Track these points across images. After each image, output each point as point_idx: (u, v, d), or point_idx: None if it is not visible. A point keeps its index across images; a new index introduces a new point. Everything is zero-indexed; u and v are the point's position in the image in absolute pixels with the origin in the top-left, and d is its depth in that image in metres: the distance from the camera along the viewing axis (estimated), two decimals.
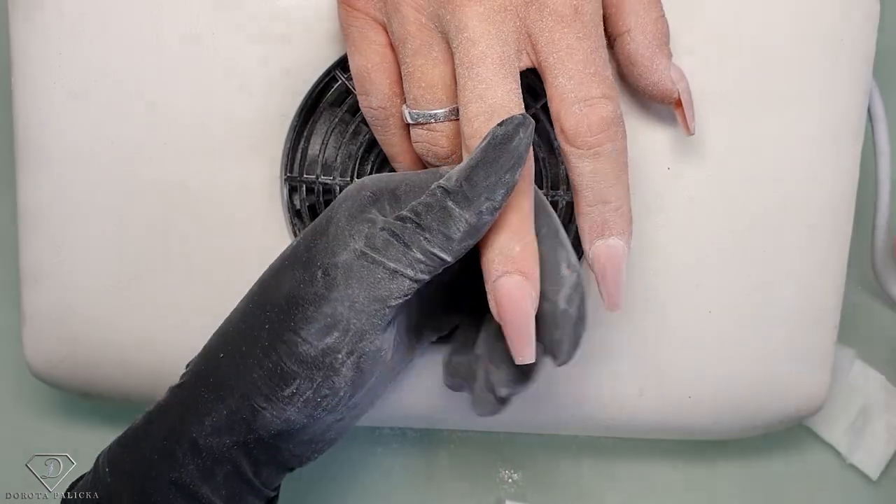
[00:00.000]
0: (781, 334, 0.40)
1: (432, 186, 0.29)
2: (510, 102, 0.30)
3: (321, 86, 0.38)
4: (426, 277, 0.29)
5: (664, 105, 0.35)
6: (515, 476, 0.49)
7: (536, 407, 0.40)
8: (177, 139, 0.37)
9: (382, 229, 0.29)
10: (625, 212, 0.32)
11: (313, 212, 0.39)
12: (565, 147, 0.31)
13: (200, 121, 0.37)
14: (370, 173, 0.38)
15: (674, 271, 0.38)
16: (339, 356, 0.29)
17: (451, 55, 0.31)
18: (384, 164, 0.39)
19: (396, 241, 0.28)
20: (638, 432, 0.43)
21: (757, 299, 0.39)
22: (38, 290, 0.39)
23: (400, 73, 0.33)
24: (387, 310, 0.29)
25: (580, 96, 0.30)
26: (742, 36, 0.37)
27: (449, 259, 0.29)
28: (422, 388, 0.39)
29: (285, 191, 0.39)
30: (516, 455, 0.49)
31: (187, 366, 0.32)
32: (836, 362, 0.47)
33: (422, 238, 0.28)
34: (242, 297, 0.32)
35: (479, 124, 0.30)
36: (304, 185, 0.38)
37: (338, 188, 0.38)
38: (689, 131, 0.35)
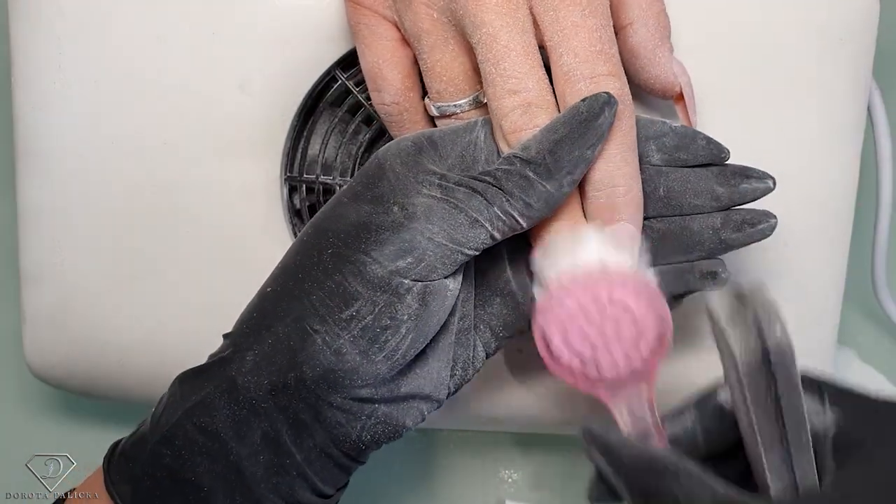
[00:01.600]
0: None
1: (506, 154, 0.30)
2: (543, 91, 0.30)
3: (321, 86, 0.38)
4: (499, 237, 0.29)
5: (665, 99, 0.35)
6: (515, 476, 0.49)
7: (537, 407, 0.40)
8: (177, 139, 0.37)
9: (459, 184, 0.29)
10: (634, 195, 0.31)
11: (313, 212, 0.39)
12: None
13: (200, 121, 0.37)
14: None
15: None
16: (406, 282, 0.29)
17: (468, 46, 0.31)
18: None
19: (480, 196, 0.29)
20: None
21: None
22: (38, 290, 0.39)
23: (412, 67, 0.33)
24: (460, 255, 0.29)
25: (585, 74, 0.30)
26: (742, 35, 0.37)
27: (524, 225, 0.29)
28: None
29: (285, 191, 0.39)
30: (516, 455, 0.49)
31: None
32: (836, 362, 0.47)
33: (503, 199, 0.29)
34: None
35: (517, 118, 0.30)
36: (304, 185, 0.38)
37: (337, 188, 0.38)
38: (690, 126, 0.35)
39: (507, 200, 0.29)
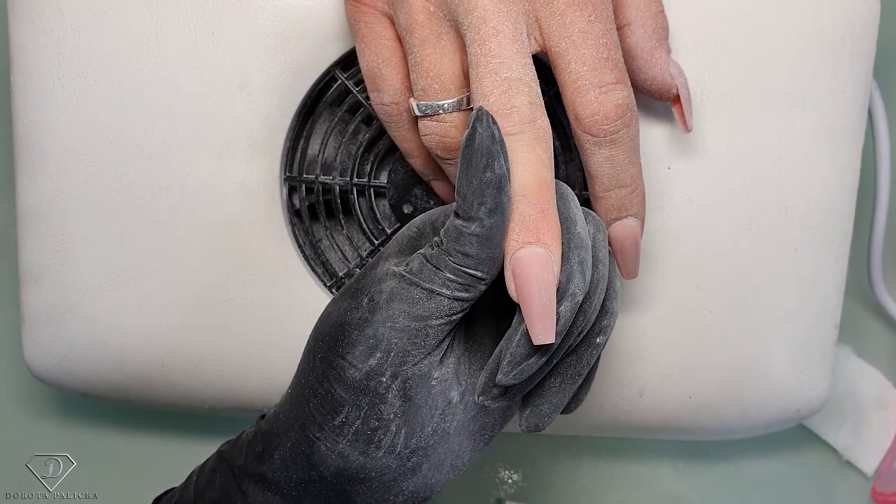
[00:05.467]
0: (781, 334, 0.40)
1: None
2: (526, 76, 0.29)
3: (321, 85, 0.38)
4: (466, 295, 0.28)
5: (662, 101, 0.35)
6: (515, 476, 0.49)
7: None
8: (177, 139, 0.37)
9: (420, 254, 0.29)
10: (640, 193, 0.32)
11: (313, 211, 0.39)
12: (581, 135, 0.31)
13: (200, 120, 0.37)
14: (370, 173, 0.38)
15: (674, 271, 0.38)
16: (384, 380, 0.29)
17: (461, 44, 0.31)
18: (384, 163, 0.39)
19: (428, 263, 0.28)
20: (638, 432, 0.43)
21: (757, 299, 0.39)
22: (37, 290, 0.39)
23: None
24: (429, 330, 0.29)
25: (595, 83, 0.30)
26: (742, 35, 0.37)
27: (478, 273, 0.28)
28: None
29: (285, 190, 0.39)
30: (516, 455, 0.49)
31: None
32: (835, 360, 0.47)
33: (447, 259, 0.28)
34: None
35: (496, 98, 0.29)
36: (304, 185, 0.38)
37: (337, 188, 0.38)
38: (686, 128, 0.35)
39: (450, 258, 0.28)
